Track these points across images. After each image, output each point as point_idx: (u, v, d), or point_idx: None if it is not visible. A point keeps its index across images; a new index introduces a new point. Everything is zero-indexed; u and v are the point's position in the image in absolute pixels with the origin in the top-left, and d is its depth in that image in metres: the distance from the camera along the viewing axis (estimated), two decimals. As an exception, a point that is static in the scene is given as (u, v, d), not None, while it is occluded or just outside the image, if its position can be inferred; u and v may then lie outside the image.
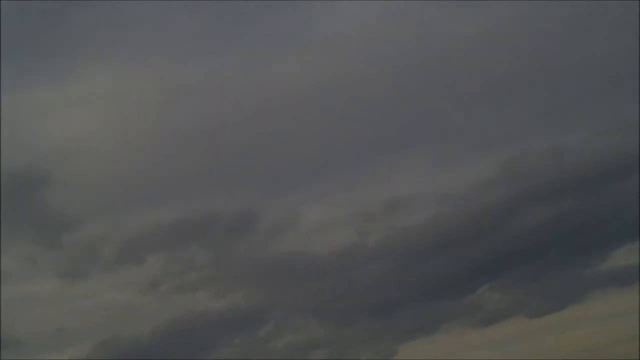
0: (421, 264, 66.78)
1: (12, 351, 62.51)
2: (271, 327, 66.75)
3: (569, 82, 71.88)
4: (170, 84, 76.32)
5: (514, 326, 63.44)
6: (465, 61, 73.09)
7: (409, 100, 74.03)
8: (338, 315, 66.66)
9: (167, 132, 75.65)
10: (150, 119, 76.74)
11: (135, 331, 65.44)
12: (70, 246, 67.95)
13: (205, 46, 75.59)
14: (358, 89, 73.45)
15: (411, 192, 67.80)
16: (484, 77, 72.81)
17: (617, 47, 68.89)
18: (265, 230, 69.64)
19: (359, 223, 69.16)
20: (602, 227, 64.30)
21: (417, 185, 68.88)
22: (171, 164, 74.75)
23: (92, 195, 72.44)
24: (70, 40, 72.95)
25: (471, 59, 73.07)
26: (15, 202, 69.18)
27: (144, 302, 66.43)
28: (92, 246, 68.04)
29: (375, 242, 68.36)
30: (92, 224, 68.86)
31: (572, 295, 63.29)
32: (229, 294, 67.51)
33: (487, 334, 63.54)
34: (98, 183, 72.52)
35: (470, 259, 65.13)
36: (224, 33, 75.59)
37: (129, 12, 73.96)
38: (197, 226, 69.23)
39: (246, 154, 75.29)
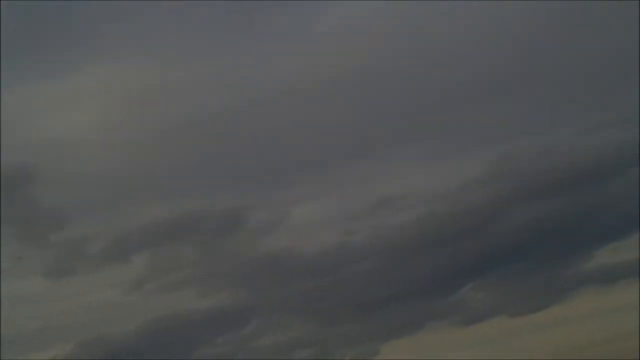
0: (407, 262, 66.76)
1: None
2: (255, 326, 67.10)
3: (559, 80, 71.77)
4: (159, 82, 76.48)
5: (498, 325, 63.37)
6: (456, 60, 72.93)
7: (399, 99, 73.85)
8: (322, 314, 66.76)
9: (155, 130, 75.46)
10: (139, 117, 77.03)
11: (120, 330, 65.75)
12: (56, 244, 68.08)
13: (202, 44, 75.94)
14: (346, 88, 73.44)
15: (400, 190, 67.54)
16: (476, 76, 72.56)
17: (607, 45, 69.05)
18: (252, 228, 69.65)
19: (346, 222, 69.19)
20: (586, 226, 64.03)
21: (406, 184, 68.59)
22: (160, 161, 74.68)
23: (80, 192, 72.31)
24: (63, 35, 73.83)
25: (462, 57, 72.88)
26: (2, 199, 70.15)
27: (128, 301, 66.47)
28: (79, 244, 68.08)
29: (361, 240, 68.45)
30: (79, 222, 68.65)
31: (556, 295, 63.18)
32: (214, 293, 67.79)
33: (471, 333, 63.53)
34: (85, 180, 72.43)
35: (455, 258, 65.08)
36: (222, 30, 75.71)
37: (128, 6, 74.87)
38: (184, 224, 69.22)
39: (235, 152, 75.21)
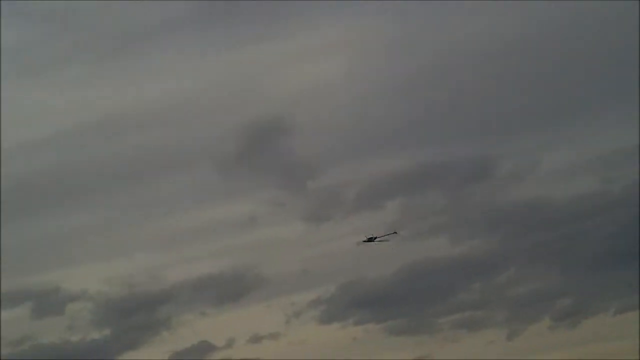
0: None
1: (262, 290, 67.64)
2: (511, 274, 66.37)
3: None
4: (399, 36, 78.41)
5: None
6: None
7: None
8: (580, 264, 64.77)
9: (394, 79, 76.97)
10: (378, 67, 78.72)
11: (376, 274, 67.36)
12: (313, 191, 71.95)
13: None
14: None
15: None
16: None
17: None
18: (502, 176, 69.43)
19: (603, 169, 67.96)
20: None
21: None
22: (405, 110, 75.78)
23: (333, 142, 75.67)
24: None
25: None
26: (263, 151, 74.19)
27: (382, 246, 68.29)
28: (335, 191, 71.39)
29: (620, 189, 66.35)
30: (333, 170, 72.26)
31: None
32: (466, 240, 67.68)
33: None
34: (337, 130, 75.52)
35: None
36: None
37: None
38: (433, 173, 70.16)
39: (481, 98, 74.54)
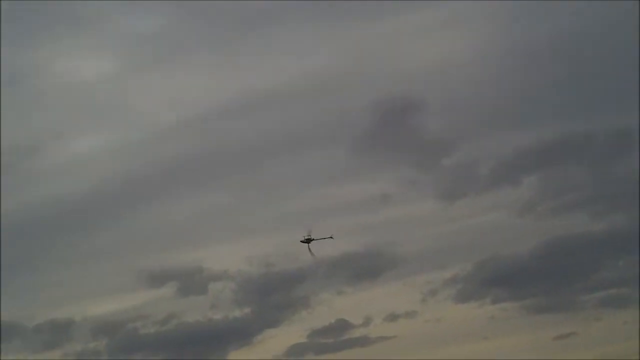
0: None
1: (397, 268, 67.75)
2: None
3: None
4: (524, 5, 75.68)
5: None
6: None
7: None
8: None
9: (528, 51, 73.94)
10: (513, 39, 75.48)
11: (513, 251, 66.09)
12: (447, 168, 71.03)
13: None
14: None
15: None
16: None
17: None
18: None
19: None
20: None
21: None
22: (541, 82, 73.02)
23: (466, 117, 74.30)
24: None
25: None
26: (396, 128, 73.16)
27: (519, 223, 66.73)
28: (468, 168, 70.15)
29: None
30: (466, 146, 71.12)
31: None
32: (609, 215, 65.18)
33: None
34: (471, 105, 73.90)
35: None
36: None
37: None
38: (572, 146, 68.20)
39: (623, 65, 70.67)
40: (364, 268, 67.63)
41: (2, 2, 72.66)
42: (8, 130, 71.43)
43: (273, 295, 68.40)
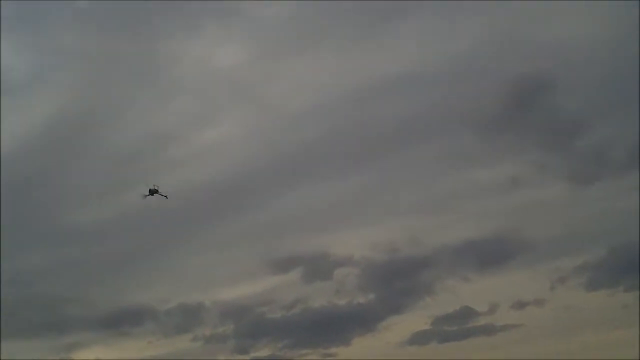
0: None
1: (525, 254, 65.63)
2: None
3: None
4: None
5: None
6: None
7: None
8: None
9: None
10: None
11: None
12: (579, 151, 68.37)
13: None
14: None
15: None
16: None
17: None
18: None
19: None
20: None
21: None
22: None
23: (600, 97, 70.33)
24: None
25: None
26: (525, 109, 70.75)
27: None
28: (603, 149, 67.24)
29: None
30: (601, 127, 67.91)
31: None
32: None
33: None
34: (604, 84, 69.47)
35: None
36: None
37: None
38: None
39: None
40: (491, 254, 66.50)
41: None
42: (147, 119, 75.20)
43: (397, 281, 68.60)
